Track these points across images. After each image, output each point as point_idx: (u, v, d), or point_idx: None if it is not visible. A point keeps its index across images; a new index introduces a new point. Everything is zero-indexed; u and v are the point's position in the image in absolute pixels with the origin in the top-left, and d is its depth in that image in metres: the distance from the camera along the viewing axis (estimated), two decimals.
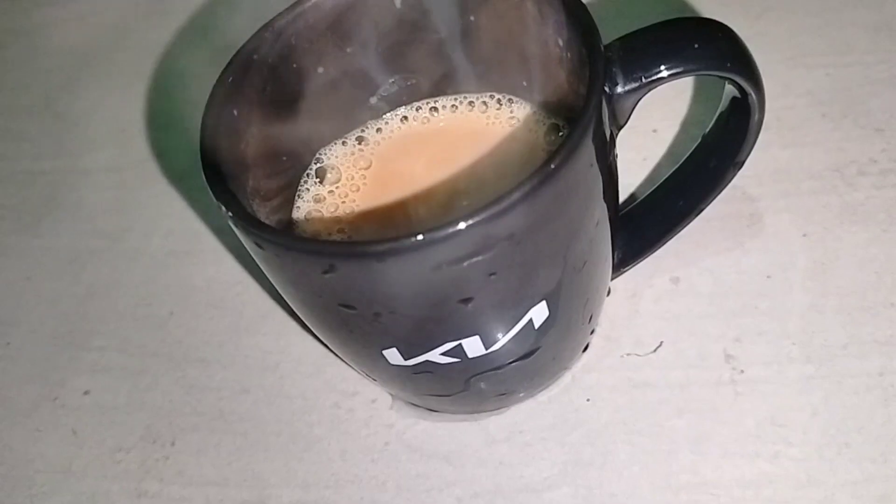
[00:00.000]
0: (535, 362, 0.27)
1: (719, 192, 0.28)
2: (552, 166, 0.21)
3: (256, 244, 0.22)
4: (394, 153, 0.31)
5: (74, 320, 0.38)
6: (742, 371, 0.29)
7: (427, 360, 0.25)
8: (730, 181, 0.28)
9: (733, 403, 0.29)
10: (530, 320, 0.25)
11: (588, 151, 0.22)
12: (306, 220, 0.30)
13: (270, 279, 0.25)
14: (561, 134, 0.29)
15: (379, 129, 0.32)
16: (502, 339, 0.25)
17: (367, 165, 0.31)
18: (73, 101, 0.47)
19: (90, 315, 0.38)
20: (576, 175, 0.22)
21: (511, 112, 0.31)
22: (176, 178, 0.42)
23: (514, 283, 0.23)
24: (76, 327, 0.37)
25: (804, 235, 0.32)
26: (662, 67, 0.24)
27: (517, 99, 0.31)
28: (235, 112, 0.26)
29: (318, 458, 0.31)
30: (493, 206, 0.21)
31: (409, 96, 0.32)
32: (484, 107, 0.31)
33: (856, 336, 0.29)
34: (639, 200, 0.31)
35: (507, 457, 0.30)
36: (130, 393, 0.35)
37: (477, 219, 0.21)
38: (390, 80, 0.31)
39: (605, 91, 0.24)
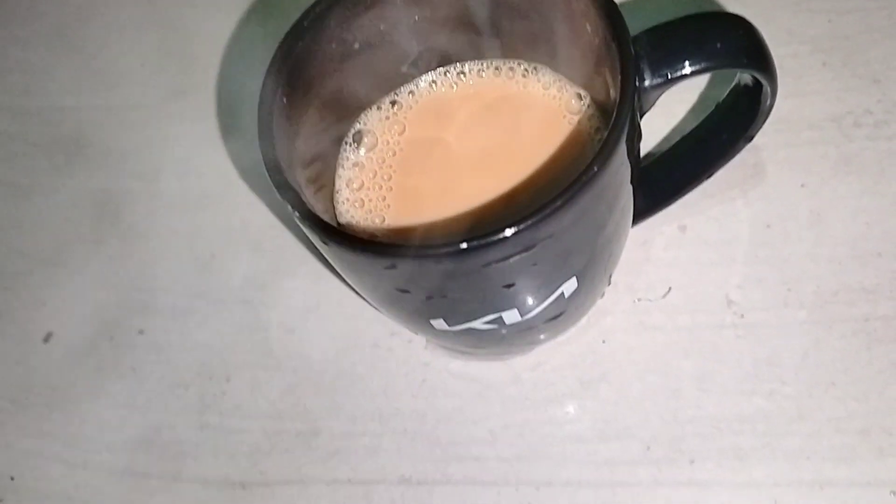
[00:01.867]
0: (562, 320, 0.30)
1: (729, 160, 0.31)
2: (593, 170, 0.23)
3: (323, 241, 0.25)
4: (426, 116, 0.33)
5: (119, 261, 0.40)
6: (742, 315, 0.33)
7: (469, 327, 0.28)
8: (740, 151, 0.31)
9: (734, 345, 0.33)
10: (562, 293, 0.28)
11: (622, 150, 0.25)
12: (348, 186, 0.32)
13: (328, 260, 0.28)
14: (583, 103, 0.31)
15: (411, 93, 0.33)
16: (536, 309, 0.28)
17: (402, 130, 0.33)
18: (87, 32, 0.48)
19: (134, 256, 0.40)
20: (612, 174, 0.25)
21: (537, 79, 0.32)
22: (200, 118, 0.43)
23: (551, 268, 0.26)
24: (121, 268, 0.40)
25: (802, 186, 0.35)
26: (687, 64, 0.26)
27: (541, 67, 0.32)
28: (285, 100, 0.28)
29: (363, 394, 0.35)
30: (539, 212, 0.23)
31: (437, 62, 0.33)
32: (511, 72, 0.33)
33: (845, 283, 0.33)
34: (653, 159, 0.34)
35: (532, 393, 0.33)
36: (182, 332, 0.38)
37: (525, 224, 0.23)
38: (420, 49, 0.32)
39: (635, 85, 0.26)
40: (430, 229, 0.30)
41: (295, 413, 0.35)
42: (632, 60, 0.25)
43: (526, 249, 0.24)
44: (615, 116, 0.24)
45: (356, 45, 0.31)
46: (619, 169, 0.25)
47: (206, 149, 0.42)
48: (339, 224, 0.31)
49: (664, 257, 0.35)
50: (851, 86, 0.37)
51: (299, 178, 0.28)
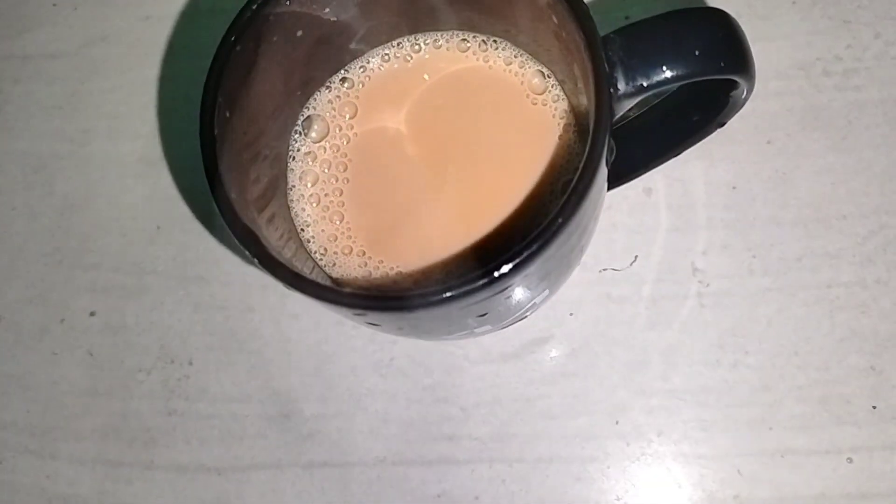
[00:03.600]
0: (531, 315, 0.30)
1: (699, 141, 0.30)
2: (563, 216, 0.22)
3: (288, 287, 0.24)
4: (379, 96, 0.31)
5: (59, 236, 0.38)
6: (707, 284, 0.33)
7: (441, 339, 0.28)
8: (710, 134, 0.29)
9: (699, 316, 0.33)
10: (534, 303, 0.27)
11: (599, 175, 0.23)
12: (301, 181, 0.30)
13: None
14: (548, 82, 0.29)
15: (362, 68, 0.31)
16: (507, 320, 0.28)
17: (354, 112, 0.31)
18: None
19: (74, 230, 0.38)
20: (588, 206, 0.23)
21: (496, 53, 0.30)
22: (127, 68, 0.40)
23: (526, 293, 0.25)
24: (63, 244, 0.38)
25: (768, 142, 0.34)
26: (663, 75, 0.24)
27: (501, 41, 0.30)
28: (228, 114, 0.26)
29: (331, 374, 0.35)
30: (514, 258, 0.22)
31: (388, 36, 0.30)
32: (466, 45, 0.30)
33: (809, 248, 0.33)
34: (620, 126, 0.32)
35: (502, 370, 0.34)
36: (137, 313, 0.37)
37: (502, 271, 0.22)
38: (369, 24, 0.30)
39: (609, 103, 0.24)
40: (391, 235, 0.29)
41: (263, 396, 0.35)
42: (605, 80, 0.23)
43: (498, 292, 0.23)
44: (588, 150, 0.23)
45: (298, 33, 0.28)
46: (596, 195, 0.24)
47: (136, 105, 0.39)
48: (295, 225, 0.30)
49: (629, 223, 0.34)
50: (821, 28, 0.35)
51: (252, 197, 0.27)
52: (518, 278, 0.23)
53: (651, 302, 0.33)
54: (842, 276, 0.32)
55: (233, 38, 0.25)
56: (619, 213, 0.34)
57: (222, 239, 0.37)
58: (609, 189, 0.32)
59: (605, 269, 0.34)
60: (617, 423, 0.32)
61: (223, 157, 0.25)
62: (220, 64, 0.25)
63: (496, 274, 0.22)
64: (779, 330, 0.32)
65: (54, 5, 0.41)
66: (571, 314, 0.34)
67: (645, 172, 0.32)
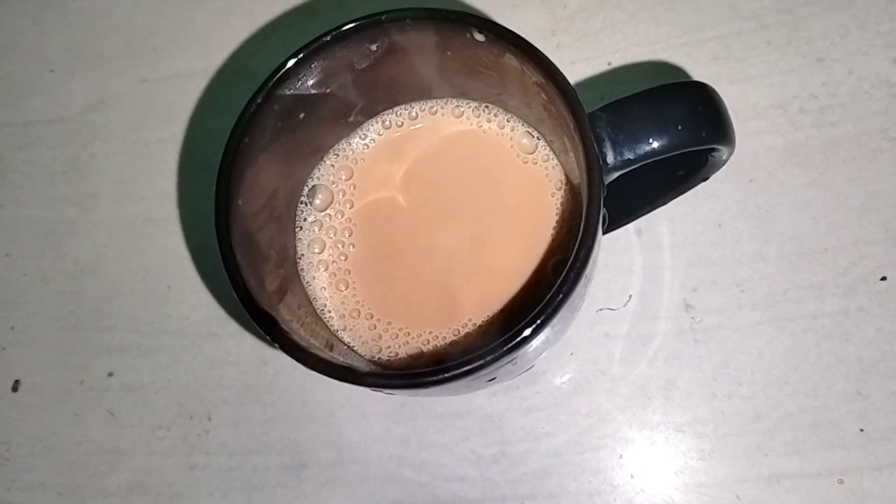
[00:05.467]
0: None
1: (685, 192, 0.31)
2: (563, 292, 0.24)
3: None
4: (377, 161, 0.32)
5: (73, 299, 0.39)
6: (699, 320, 0.35)
7: (451, 396, 0.29)
8: (696, 186, 0.31)
9: (693, 350, 0.35)
10: (539, 358, 0.29)
11: (594, 248, 0.25)
12: (309, 249, 0.32)
13: None
14: (537, 142, 0.31)
15: (362, 136, 0.32)
16: (513, 377, 0.29)
17: (356, 180, 0.32)
18: None
19: (87, 293, 0.39)
20: (586, 277, 0.25)
21: (488, 118, 0.32)
22: (128, 132, 0.41)
23: (532, 356, 0.27)
24: (78, 307, 0.39)
25: (751, 181, 0.36)
26: (650, 149, 0.26)
27: (492, 106, 0.31)
28: (240, 202, 0.27)
29: (345, 422, 0.36)
30: (519, 334, 0.24)
31: (385, 106, 0.32)
32: (459, 111, 0.32)
33: (794, 281, 0.35)
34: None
35: (509, 412, 0.35)
36: (153, 371, 0.38)
37: (505, 348, 0.24)
38: (367, 98, 0.31)
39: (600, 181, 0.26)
40: (396, 299, 0.30)
41: (281, 446, 0.36)
42: (596, 161, 0.25)
43: (504, 364, 0.25)
44: (583, 226, 0.24)
45: (301, 116, 0.29)
46: (593, 264, 0.25)
47: (141, 168, 0.40)
48: (307, 293, 0.31)
49: (622, 263, 0.36)
50: (796, 66, 0.36)
51: (267, 276, 0.28)
52: (525, 350, 0.24)
53: (647, 339, 0.35)
54: (826, 307, 0.34)
55: (240, 134, 0.27)
56: (612, 254, 0.36)
57: (230, 298, 0.38)
58: (612, 230, 0.34)
59: (601, 309, 0.35)
60: (621, 456, 0.34)
61: (238, 245, 0.26)
62: (229, 159, 0.26)
63: (504, 348, 0.24)
64: (769, 361, 0.34)
65: (51, 71, 0.42)
66: (572, 354, 0.35)
67: (634, 220, 0.33)
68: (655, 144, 0.26)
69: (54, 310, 0.39)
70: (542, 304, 0.24)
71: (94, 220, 0.40)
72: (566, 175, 0.31)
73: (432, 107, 0.32)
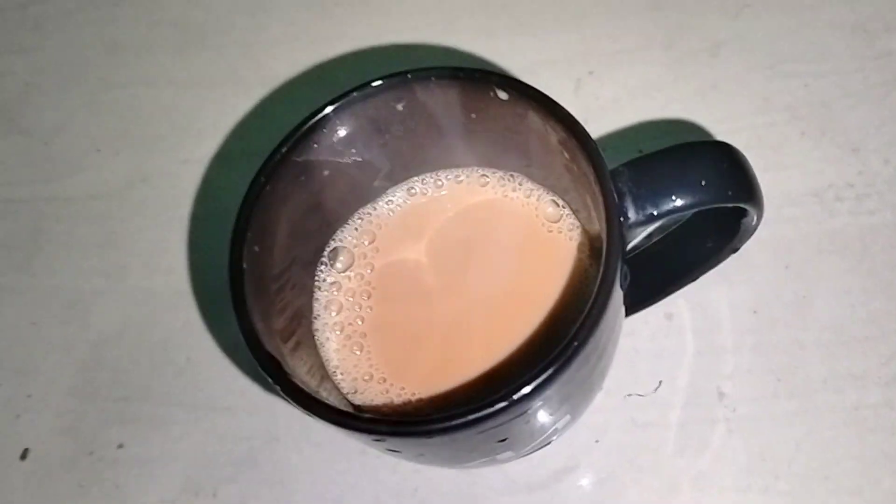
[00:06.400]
0: (554, 441, 0.30)
1: (715, 267, 0.30)
2: (584, 335, 0.23)
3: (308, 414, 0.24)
4: (402, 228, 0.32)
5: (92, 369, 0.39)
6: (734, 409, 0.33)
7: (462, 467, 0.28)
8: (725, 259, 0.30)
9: (727, 440, 0.32)
10: (555, 428, 0.27)
11: (614, 299, 0.24)
12: (326, 310, 0.31)
13: None
14: (562, 211, 0.31)
15: (388, 202, 0.32)
16: (529, 447, 0.27)
17: (378, 244, 0.32)
18: (36, 114, 0.46)
19: (107, 363, 0.39)
20: (604, 330, 0.24)
21: (513, 187, 0.31)
22: (165, 208, 0.42)
23: (545, 418, 0.26)
24: (95, 377, 0.39)
25: (786, 267, 0.34)
26: (672, 205, 0.25)
27: (518, 175, 0.31)
28: (257, 248, 0.27)
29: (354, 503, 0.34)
30: (531, 381, 0.22)
31: (411, 173, 0.32)
32: (485, 180, 0.32)
33: (834, 370, 0.33)
34: (636, 254, 0.33)
35: (527, 499, 0.33)
36: (163, 444, 0.37)
37: (519, 395, 0.22)
38: (393, 164, 0.31)
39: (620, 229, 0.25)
40: (411, 363, 0.29)
41: None
42: (615, 209, 0.24)
43: (517, 416, 0.23)
44: (602, 273, 0.23)
45: (325, 173, 0.29)
46: (611, 318, 0.24)
47: (173, 241, 0.41)
48: (319, 354, 0.30)
49: (651, 348, 0.34)
50: (831, 156, 0.36)
51: (278, 326, 0.27)
52: (536, 402, 0.23)
53: (678, 427, 0.33)
54: (868, 398, 0.32)
55: (262, 179, 0.27)
56: (640, 338, 0.34)
57: (248, 370, 0.37)
58: (629, 314, 0.33)
59: (629, 395, 0.34)
60: None
61: (250, 288, 0.26)
62: (250, 201, 0.27)
63: (514, 397, 0.22)
64: (808, 453, 0.32)
65: (98, 151, 0.44)
66: (597, 441, 0.33)
67: (663, 298, 0.32)
68: (678, 200, 0.25)
69: (72, 379, 0.39)
70: (556, 351, 0.23)
71: (122, 290, 0.40)
72: (590, 244, 0.30)
73: (458, 175, 0.32)
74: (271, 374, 0.24)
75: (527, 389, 0.22)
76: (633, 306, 0.32)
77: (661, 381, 0.34)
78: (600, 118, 0.39)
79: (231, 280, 0.25)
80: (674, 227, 0.32)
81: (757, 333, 0.34)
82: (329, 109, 0.28)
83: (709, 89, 0.38)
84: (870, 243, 0.34)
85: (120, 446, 0.37)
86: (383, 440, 0.24)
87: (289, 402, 0.24)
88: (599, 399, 0.34)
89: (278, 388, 0.24)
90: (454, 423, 0.22)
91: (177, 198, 0.42)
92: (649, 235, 0.34)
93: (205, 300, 0.39)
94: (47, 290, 0.41)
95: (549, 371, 0.23)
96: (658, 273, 0.32)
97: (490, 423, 0.23)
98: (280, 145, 0.27)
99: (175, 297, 0.40)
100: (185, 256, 0.40)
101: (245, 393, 0.37)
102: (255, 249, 0.27)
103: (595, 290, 0.24)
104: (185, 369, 0.38)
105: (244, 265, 0.26)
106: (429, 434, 0.23)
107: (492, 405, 0.22)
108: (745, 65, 0.38)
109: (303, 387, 0.24)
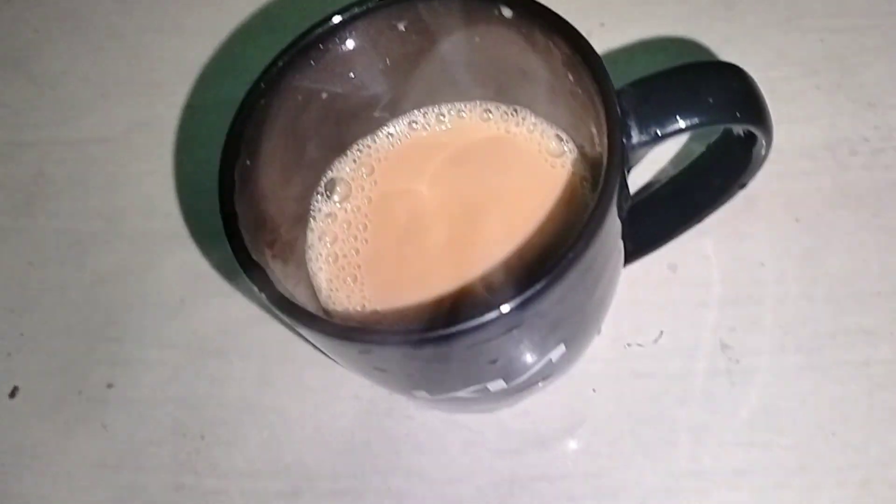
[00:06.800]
0: (549, 380, 0.29)
1: (722, 205, 0.29)
2: (580, 245, 0.22)
3: (294, 324, 0.23)
4: (402, 161, 0.31)
5: (85, 309, 0.38)
6: (737, 361, 0.32)
7: (453, 397, 0.27)
8: (733, 197, 0.29)
9: (729, 393, 0.31)
10: (549, 359, 0.26)
11: (611, 218, 0.23)
12: (321, 240, 0.30)
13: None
14: (565, 146, 0.30)
15: (389, 136, 0.32)
16: (522, 377, 0.27)
17: (377, 177, 0.31)
18: (44, 61, 0.45)
19: (101, 304, 0.38)
20: (601, 245, 0.23)
21: (516, 122, 0.31)
22: (164, 152, 0.41)
23: (538, 340, 0.25)
24: (88, 317, 0.38)
25: (797, 220, 0.33)
26: (677, 121, 0.24)
27: (521, 109, 0.31)
28: (248, 163, 0.26)
29: (344, 450, 0.33)
30: (524, 293, 0.22)
31: (411, 105, 0.31)
32: (488, 115, 0.31)
33: (843, 325, 0.31)
34: (641, 199, 0.32)
35: (522, 447, 0.32)
36: (153, 385, 0.36)
37: (510, 306, 0.22)
38: (393, 93, 0.31)
39: (622, 149, 0.24)
40: (406, 294, 0.28)
41: (274, 471, 0.33)
42: (618, 122, 0.23)
43: (509, 329, 0.22)
44: (601, 187, 0.23)
45: (323, 95, 0.29)
46: (608, 238, 0.24)
47: (170, 186, 0.40)
48: (312, 284, 0.29)
49: (654, 299, 0.33)
50: (846, 110, 0.35)
51: (266, 242, 0.27)
52: (529, 313, 0.22)
53: (678, 378, 0.32)
54: (879, 353, 0.31)
55: (258, 91, 0.26)
56: (643, 288, 0.33)
57: (243, 315, 0.37)
58: (636, 259, 0.32)
59: (629, 345, 0.33)
60: None
61: (241, 201, 0.25)
62: (244, 113, 0.26)
63: (505, 306, 0.21)
64: (814, 409, 0.30)
65: (102, 95, 0.44)
66: (594, 390, 0.32)
67: (670, 240, 0.31)
68: (683, 119, 0.24)
69: (65, 319, 0.38)
70: (547, 266, 0.22)
71: (119, 233, 0.40)
72: (593, 179, 0.29)
73: (460, 110, 0.31)
74: (254, 279, 0.23)
75: (519, 299, 0.22)
76: (639, 250, 0.31)
77: (662, 332, 0.33)
78: (610, 70, 0.38)
79: (220, 187, 0.25)
80: (680, 169, 0.31)
81: (764, 286, 0.33)
82: (328, 25, 0.27)
83: (723, 42, 0.37)
84: (884, 198, 0.33)
85: (109, 386, 0.37)
86: (370, 351, 0.23)
87: (274, 309, 0.23)
88: (598, 347, 0.33)
89: (263, 295, 0.23)
90: (443, 332, 0.22)
91: (180, 143, 0.41)
92: (656, 178, 0.33)
93: (203, 245, 0.39)
94: (46, 232, 0.41)
95: (543, 281, 0.22)
96: (664, 215, 0.31)
97: (481, 335, 0.22)
98: (276, 60, 0.27)
99: (172, 240, 0.39)
100: (185, 201, 0.40)
101: (238, 337, 0.36)
102: (246, 163, 0.26)
103: (593, 205, 0.23)
104: (178, 311, 0.37)
105: (235, 176, 0.25)
106: (419, 343, 0.22)
107: (483, 313, 0.21)
108: (760, 18, 0.37)
109: (287, 296, 0.23)
